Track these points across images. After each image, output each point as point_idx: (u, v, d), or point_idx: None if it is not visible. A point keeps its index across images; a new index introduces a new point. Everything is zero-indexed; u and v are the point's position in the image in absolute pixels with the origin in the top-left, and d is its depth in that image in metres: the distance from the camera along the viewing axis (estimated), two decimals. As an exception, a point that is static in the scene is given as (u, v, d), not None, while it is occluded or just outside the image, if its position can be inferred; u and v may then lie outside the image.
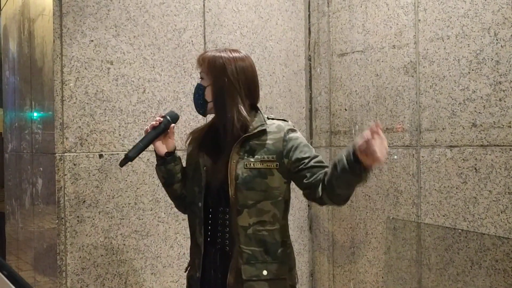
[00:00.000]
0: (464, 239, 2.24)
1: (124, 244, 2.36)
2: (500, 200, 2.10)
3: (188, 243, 2.56)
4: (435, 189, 2.37)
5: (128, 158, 1.55)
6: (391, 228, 2.61)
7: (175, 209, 2.52)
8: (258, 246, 1.53)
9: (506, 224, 2.08)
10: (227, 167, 1.54)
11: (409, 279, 2.51)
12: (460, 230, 2.26)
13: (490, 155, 2.14)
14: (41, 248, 2.49)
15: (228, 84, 1.55)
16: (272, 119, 1.63)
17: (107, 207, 2.31)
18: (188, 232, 2.56)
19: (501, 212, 2.10)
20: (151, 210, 2.45)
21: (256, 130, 1.56)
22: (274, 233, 1.55)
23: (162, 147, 1.67)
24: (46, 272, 2.41)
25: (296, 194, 3.04)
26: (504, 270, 2.09)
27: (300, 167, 1.53)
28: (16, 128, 3.06)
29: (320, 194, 1.50)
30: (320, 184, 1.49)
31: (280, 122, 1.61)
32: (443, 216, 2.33)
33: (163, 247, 2.48)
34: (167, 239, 2.50)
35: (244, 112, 1.55)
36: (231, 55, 1.58)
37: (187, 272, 1.75)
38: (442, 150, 2.34)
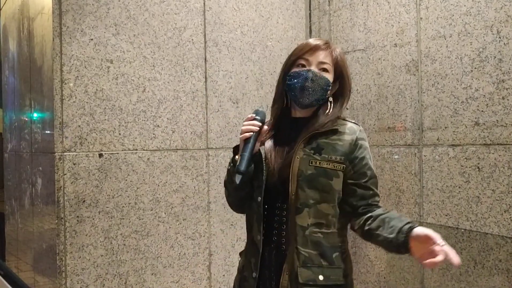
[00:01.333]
0: (467, 238, 2.22)
1: (124, 244, 2.35)
2: (503, 199, 2.08)
3: (188, 243, 2.55)
4: (438, 189, 2.35)
5: (242, 173, 1.43)
6: (393, 228, 2.59)
7: (176, 209, 2.51)
8: (314, 248, 1.44)
9: (509, 224, 2.06)
10: (290, 162, 1.46)
11: (412, 279, 2.49)
12: (463, 230, 2.24)
13: (493, 153, 2.12)
14: (40, 248, 2.47)
15: (348, 84, 1.56)
16: (344, 119, 1.55)
17: (107, 207, 2.30)
18: (189, 232, 2.56)
19: (505, 211, 2.08)
20: (151, 210, 2.43)
21: (326, 128, 1.48)
22: (329, 236, 1.46)
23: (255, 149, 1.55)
24: (45, 273, 2.39)
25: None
26: (507, 270, 2.07)
27: (357, 181, 1.47)
28: (16, 127, 3.05)
29: (355, 227, 1.48)
30: (361, 221, 1.46)
31: (353, 125, 1.53)
32: (446, 215, 2.31)
33: (163, 247, 2.47)
34: (167, 239, 2.48)
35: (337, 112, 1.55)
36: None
37: (239, 273, 1.63)
38: (444, 149, 2.32)
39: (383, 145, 2.62)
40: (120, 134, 2.34)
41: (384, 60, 2.62)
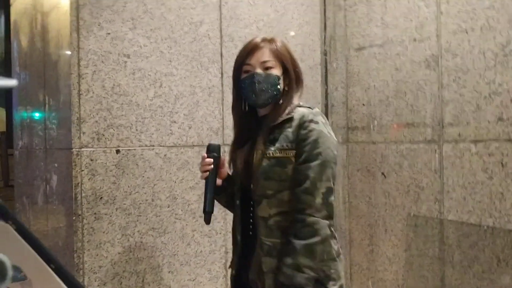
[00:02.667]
0: (490, 236, 2.19)
1: (141, 242, 2.32)
2: (528, 195, 2.05)
3: (205, 241, 2.52)
4: (459, 185, 2.32)
5: (209, 213, 1.54)
6: (412, 225, 2.56)
7: (192, 206, 2.48)
8: (279, 237, 1.48)
9: (535, 220, 2.03)
10: (252, 159, 1.52)
11: (431, 277, 2.46)
12: (485, 227, 2.21)
13: (517, 149, 2.09)
14: (56, 246, 2.44)
15: (296, 75, 1.60)
16: (300, 106, 1.58)
17: (124, 204, 2.27)
18: (206, 230, 2.53)
19: (530, 208, 2.05)
20: (168, 207, 2.40)
21: (282, 119, 1.52)
22: None
23: (218, 181, 1.66)
24: (61, 270, 2.36)
25: (313, 191, 2.99)
26: (532, 267, 2.04)
27: (296, 164, 1.49)
28: (28, 124, 3.01)
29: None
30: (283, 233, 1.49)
31: (304, 109, 1.55)
32: (468, 212, 2.28)
33: (180, 244, 2.44)
34: (184, 237, 2.45)
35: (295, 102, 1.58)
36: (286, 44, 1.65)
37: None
38: (466, 145, 2.29)
39: (402, 141, 2.59)
40: (137, 130, 2.31)
41: (402, 55, 2.59)
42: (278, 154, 1.48)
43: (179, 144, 2.44)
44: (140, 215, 2.31)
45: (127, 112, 2.28)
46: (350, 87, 2.91)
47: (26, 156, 3.07)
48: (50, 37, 2.46)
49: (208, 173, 1.57)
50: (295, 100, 1.59)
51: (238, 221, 1.61)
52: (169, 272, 2.40)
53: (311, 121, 1.50)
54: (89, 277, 2.17)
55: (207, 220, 1.55)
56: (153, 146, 2.35)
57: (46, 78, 2.55)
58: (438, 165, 2.42)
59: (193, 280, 2.48)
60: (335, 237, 1.57)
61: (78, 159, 2.15)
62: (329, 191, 1.48)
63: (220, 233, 2.57)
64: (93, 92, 2.19)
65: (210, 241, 2.54)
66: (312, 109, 1.56)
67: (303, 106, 1.58)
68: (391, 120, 2.65)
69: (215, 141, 1.64)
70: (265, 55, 1.56)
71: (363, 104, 2.83)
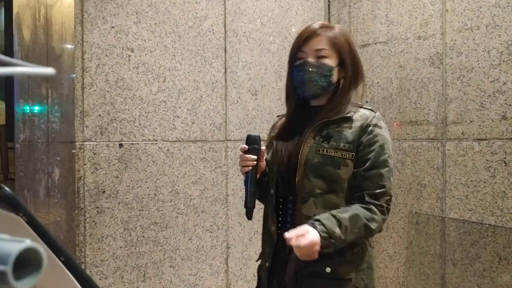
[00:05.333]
0: (492, 234, 2.19)
1: (143, 236, 2.31)
2: (531, 194, 2.05)
3: (206, 236, 2.52)
4: (461, 183, 2.32)
5: (250, 208, 1.44)
6: (413, 223, 2.56)
7: (194, 201, 2.48)
8: None
9: (537, 219, 2.03)
10: (299, 151, 1.42)
11: (432, 274, 2.46)
12: (487, 225, 2.21)
13: (521, 148, 2.09)
14: (58, 239, 2.44)
15: (355, 66, 1.48)
16: (361, 107, 1.49)
17: (126, 198, 2.26)
18: (207, 225, 2.53)
19: (532, 206, 2.05)
20: (171, 201, 2.40)
21: (338, 116, 1.43)
22: None
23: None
24: (63, 264, 2.36)
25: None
26: (534, 266, 2.04)
27: (357, 169, 1.40)
28: (30, 117, 3.00)
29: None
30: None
31: (366, 111, 1.46)
32: (470, 210, 2.29)
33: (182, 239, 2.44)
34: (186, 232, 2.45)
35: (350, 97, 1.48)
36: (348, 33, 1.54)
37: (258, 261, 1.62)
38: (469, 143, 2.29)
39: (405, 139, 2.59)
40: (140, 124, 2.31)
41: (406, 52, 2.59)
42: (333, 153, 1.40)
43: (182, 139, 2.43)
44: (142, 210, 2.31)
45: (131, 106, 2.28)
46: (353, 84, 2.90)
47: (27, 149, 3.06)
48: (53, 30, 2.45)
49: (250, 168, 1.44)
50: (353, 97, 1.49)
51: (272, 211, 1.50)
52: (170, 266, 2.40)
53: (375, 125, 1.43)
54: (90, 271, 2.16)
55: (249, 215, 1.45)
56: (156, 140, 2.35)
57: (49, 71, 2.53)
58: (440, 163, 2.42)
59: (194, 274, 2.48)
60: (372, 247, 1.52)
61: (81, 152, 2.15)
62: (391, 199, 1.43)
63: (221, 228, 2.57)
64: (96, 86, 2.19)
65: (211, 236, 2.54)
66: (374, 112, 1.48)
67: (365, 108, 1.49)
68: (395, 117, 2.65)
69: (254, 132, 1.50)
70: (321, 43, 1.45)
71: (367, 101, 2.82)
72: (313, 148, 1.41)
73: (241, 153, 1.46)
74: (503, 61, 2.15)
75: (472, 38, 2.27)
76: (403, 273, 2.61)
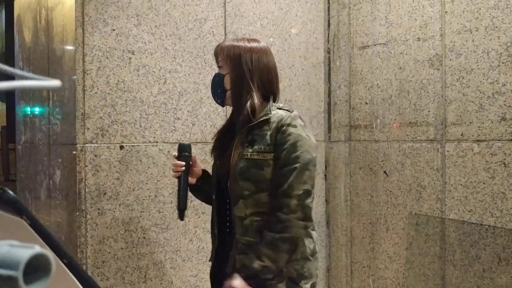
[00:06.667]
0: (491, 235, 2.20)
1: (144, 237, 2.32)
2: (530, 195, 2.06)
3: (207, 237, 2.53)
4: (461, 184, 2.33)
5: (182, 209, 1.62)
6: (413, 224, 2.57)
7: (195, 203, 2.49)
8: (255, 237, 1.51)
9: (536, 220, 2.04)
10: (230, 158, 1.56)
11: (432, 275, 2.47)
12: (487, 226, 2.22)
13: (520, 149, 2.10)
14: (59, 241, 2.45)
15: (243, 73, 1.56)
16: (280, 108, 1.59)
17: (127, 200, 2.27)
18: (208, 226, 2.53)
19: (532, 207, 2.06)
20: (171, 203, 2.41)
21: (258, 120, 1.54)
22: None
23: (192, 180, 1.70)
24: (64, 265, 2.37)
25: (315, 188, 3.00)
26: (533, 266, 2.05)
27: (275, 168, 1.51)
28: (31, 119, 3.02)
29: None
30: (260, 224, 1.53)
31: (282, 112, 1.56)
32: (469, 211, 2.29)
33: (182, 240, 2.45)
34: (186, 233, 2.46)
35: (255, 101, 1.54)
36: (248, 45, 1.59)
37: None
38: (469, 145, 2.30)
39: (404, 140, 2.60)
40: (141, 126, 2.32)
41: (406, 54, 2.60)
42: (255, 156, 1.51)
43: (183, 140, 2.44)
44: (143, 211, 2.32)
45: (131, 108, 2.29)
46: (353, 85, 2.92)
47: (29, 151, 3.07)
48: (54, 33, 2.47)
49: (179, 173, 1.62)
50: (257, 100, 1.57)
51: (215, 215, 1.66)
52: (171, 267, 2.41)
53: (289, 124, 1.52)
54: (92, 272, 2.18)
55: (181, 217, 1.63)
56: (157, 142, 2.36)
57: (50, 73, 2.55)
58: (440, 164, 2.43)
59: (195, 276, 2.49)
60: (311, 237, 1.61)
61: (82, 154, 2.16)
62: (306, 193, 1.50)
63: (222, 230, 2.58)
64: (97, 88, 2.20)
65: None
66: (291, 112, 1.57)
67: (283, 108, 1.59)
68: (394, 118, 2.66)
69: (185, 141, 1.69)
70: (218, 54, 1.64)
71: (366, 103, 2.83)
72: (240, 154, 1.54)
73: (173, 160, 1.64)
74: (502, 63, 2.16)
75: (471, 39, 2.28)
76: (403, 274, 2.62)
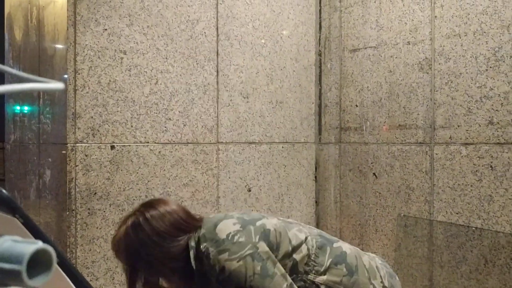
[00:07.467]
0: (478, 236, 2.23)
1: (134, 238, 2.32)
2: (516, 198, 2.10)
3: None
4: (449, 187, 2.36)
5: None
6: (402, 226, 2.60)
7: (186, 203, 2.49)
8: None
9: (522, 222, 2.08)
10: None
11: (420, 277, 2.50)
12: (474, 228, 2.25)
13: (506, 152, 2.13)
14: (48, 240, 2.44)
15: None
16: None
17: (118, 200, 2.27)
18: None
19: (518, 210, 2.09)
20: (162, 203, 2.40)
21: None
22: None
23: None
24: (53, 265, 2.35)
25: (305, 190, 3.02)
26: (519, 268, 2.08)
27: None
28: (21, 118, 3.00)
29: None
30: None
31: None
32: (457, 213, 2.33)
33: (172, 241, 2.44)
34: (177, 233, 2.46)
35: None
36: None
37: None
38: (457, 148, 2.33)
39: (394, 143, 2.63)
40: (132, 126, 2.32)
41: (396, 57, 2.63)
42: None
43: (174, 141, 2.45)
44: (134, 211, 2.31)
45: (123, 108, 2.29)
46: (344, 88, 2.94)
47: (18, 150, 3.05)
48: (46, 32, 2.46)
49: None
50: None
51: None
52: None
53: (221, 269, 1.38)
54: (81, 272, 2.17)
55: None
56: (148, 142, 2.36)
57: (40, 72, 2.54)
58: (429, 166, 2.46)
59: (185, 276, 2.49)
60: None
61: (73, 154, 2.15)
62: None
63: (212, 230, 2.59)
64: (89, 88, 2.19)
65: (202, 238, 2.55)
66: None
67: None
68: (384, 121, 2.69)
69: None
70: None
71: (356, 105, 2.86)
72: None
73: None
74: (490, 67, 2.19)
75: (460, 44, 2.32)
76: (392, 275, 2.65)
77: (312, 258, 1.37)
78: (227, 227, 1.33)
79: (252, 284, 1.26)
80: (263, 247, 1.31)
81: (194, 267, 1.33)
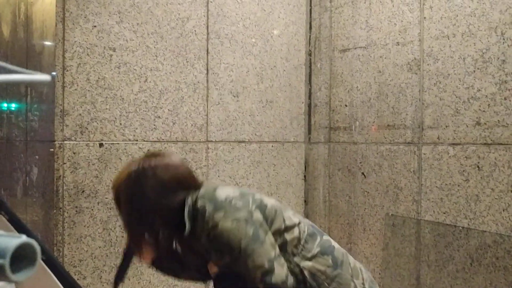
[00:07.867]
0: (465, 236, 2.26)
1: (123, 236, 2.31)
2: (502, 198, 2.12)
3: (186, 236, 2.53)
4: (436, 186, 2.38)
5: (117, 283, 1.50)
6: (390, 225, 2.61)
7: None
8: None
9: (508, 222, 2.10)
10: None
11: (407, 276, 2.52)
12: (460, 228, 2.28)
13: (493, 153, 2.16)
14: (35, 238, 2.41)
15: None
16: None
17: (106, 198, 2.26)
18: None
19: (503, 210, 2.12)
20: (150, 202, 2.39)
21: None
22: None
23: None
24: (40, 264, 2.33)
25: (294, 189, 3.02)
26: (504, 267, 2.11)
27: None
28: (7, 114, 2.96)
29: None
30: None
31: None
32: (444, 213, 2.35)
33: (161, 240, 2.44)
34: (165, 232, 2.45)
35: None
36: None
37: None
38: (444, 148, 2.35)
39: (382, 143, 2.64)
40: (121, 124, 2.30)
41: (385, 58, 2.64)
42: None
43: (163, 139, 2.44)
44: (122, 210, 2.30)
45: (111, 106, 2.27)
46: (334, 87, 2.96)
47: (4, 147, 3.01)
48: (34, 28, 2.43)
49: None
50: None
51: None
52: (149, 267, 2.40)
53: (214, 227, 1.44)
54: (68, 271, 2.15)
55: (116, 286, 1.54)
56: (137, 140, 2.35)
57: (28, 68, 2.51)
58: (417, 166, 2.48)
59: (173, 275, 2.49)
60: None
61: (61, 152, 2.13)
62: None
63: (201, 229, 2.58)
64: (77, 85, 2.18)
65: (191, 236, 2.55)
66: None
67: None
68: (373, 121, 2.70)
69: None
70: None
71: (346, 105, 2.87)
72: None
73: None
74: (478, 69, 2.22)
75: (448, 45, 2.34)
76: (379, 274, 2.66)
77: (301, 243, 1.40)
78: (226, 191, 1.39)
79: (242, 245, 1.29)
80: (257, 215, 1.35)
81: (186, 223, 1.35)
